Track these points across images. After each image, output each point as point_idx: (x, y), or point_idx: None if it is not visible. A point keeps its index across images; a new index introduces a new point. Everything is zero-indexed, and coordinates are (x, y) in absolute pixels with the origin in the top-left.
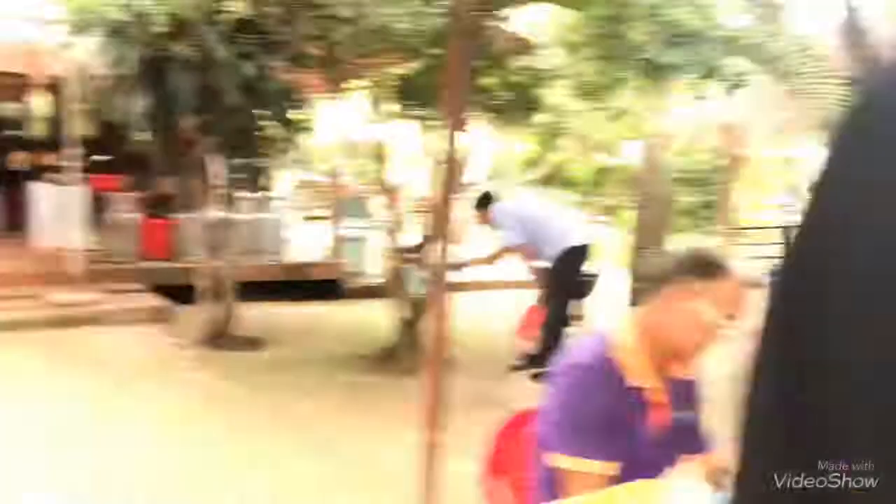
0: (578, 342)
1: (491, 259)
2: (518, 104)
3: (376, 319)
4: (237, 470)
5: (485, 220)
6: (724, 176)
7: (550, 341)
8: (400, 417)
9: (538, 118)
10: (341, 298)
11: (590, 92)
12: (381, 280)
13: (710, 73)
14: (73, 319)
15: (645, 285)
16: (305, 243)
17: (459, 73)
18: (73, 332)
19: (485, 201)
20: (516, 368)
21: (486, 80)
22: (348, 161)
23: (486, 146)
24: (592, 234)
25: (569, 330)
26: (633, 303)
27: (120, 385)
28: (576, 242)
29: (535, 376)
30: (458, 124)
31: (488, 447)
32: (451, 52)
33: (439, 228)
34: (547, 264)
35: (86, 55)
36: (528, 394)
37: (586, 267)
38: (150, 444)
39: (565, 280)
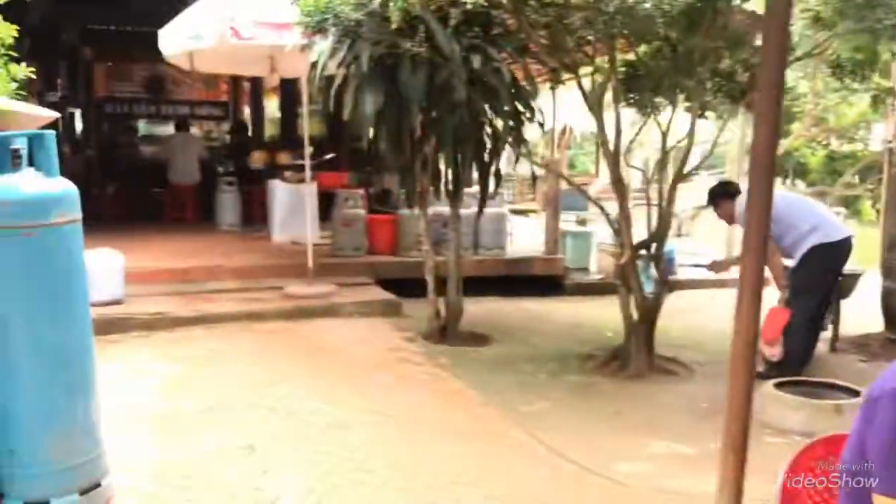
0: None
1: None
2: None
3: (600, 318)
4: (464, 473)
5: (726, 213)
6: None
7: (798, 348)
8: (633, 426)
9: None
10: (562, 295)
11: (844, 70)
12: (602, 276)
13: None
14: (308, 310)
15: None
16: (522, 238)
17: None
18: (309, 323)
19: (726, 193)
20: (759, 376)
21: (723, 63)
22: (566, 152)
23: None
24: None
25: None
26: (885, 306)
27: (355, 377)
28: (832, 238)
29: (779, 385)
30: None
31: (780, 481)
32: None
33: (664, 224)
34: (793, 262)
35: (320, 56)
36: (772, 405)
37: (845, 266)
38: (385, 439)
39: (817, 280)
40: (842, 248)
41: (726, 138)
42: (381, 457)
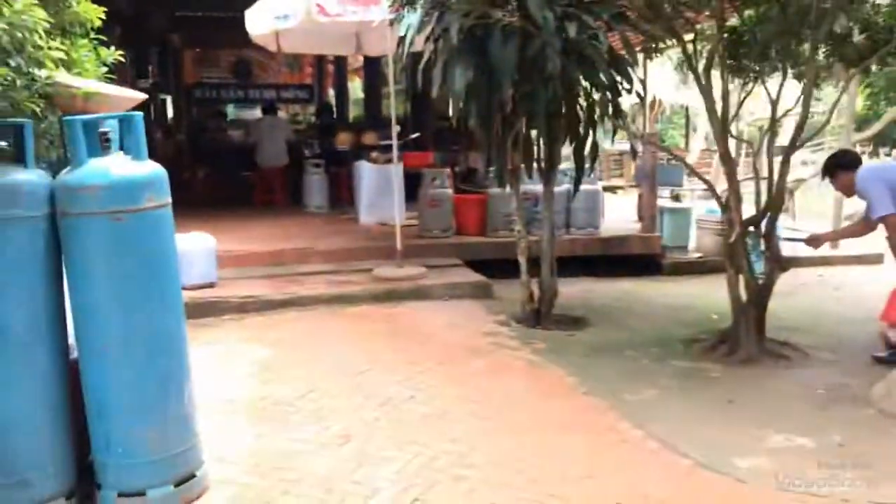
0: None
1: (858, 231)
2: (874, 49)
3: (703, 299)
4: (571, 469)
5: (844, 185)
6: None
7: None
8: (747, 415)
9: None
10: (660, 275)
11: None
12: (702, 255)
13: None
14: (398, 293)
15: None
16: (613, 215)
17: None
18: (400, 306)
19: (845, 163)
20: (880, 361)
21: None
22: (661, 125)
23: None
24: None
25: None
26: None
27: (450, 363)
28: None
29: None
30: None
31: None
32: None
33: (777, 199)
34: None
35: (407, 31)
36: None
37: None
38: (485, 430)
39: None
40: None
41: (822, 108)
42: (482, 450)
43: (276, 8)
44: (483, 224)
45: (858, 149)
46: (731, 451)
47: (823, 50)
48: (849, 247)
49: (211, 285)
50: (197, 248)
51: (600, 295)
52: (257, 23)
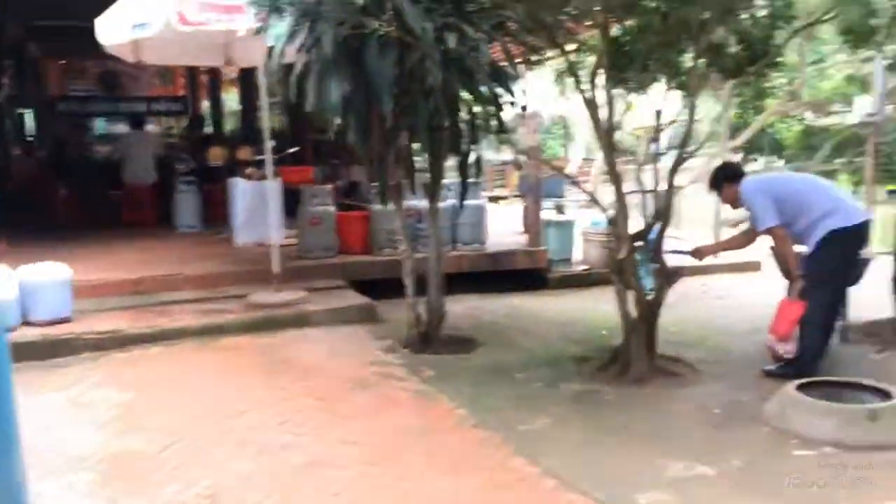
0: None
1: (742, 243)
2: (752, 61)
3: (591, 313)
4: None
5: (729, 197)
6: None
7: (813, 343)
8: (645, 442)
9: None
10: (546, 289)
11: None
12: (587, 267)
13: None
14: (275, 321)
15: None
16: (498, 229)
17: None
18: (278, 336)
19: (730, 176)
20: (770, 374)
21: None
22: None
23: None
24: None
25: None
26: None
27: (332, 399)
28: (850, 222)
29: (802, 388)
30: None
31: None
32: None
33: (666, 212)
34: (807, 249)
35: (277, 41)
36: (796, 411)
37: (863, 251)
38: (371, 477)
39: (835, 268)
40: (860, 232)
41: (698, 117)
42: (369, 500)
43: (134, 16)
44: (368, 242)
45: (732, 156)
46: (633, 486)
47: (702, 61)
48: (728, 255)
49: (65, 321)
50: (46, 280)
51: (489, 312)
52: (112, 31)
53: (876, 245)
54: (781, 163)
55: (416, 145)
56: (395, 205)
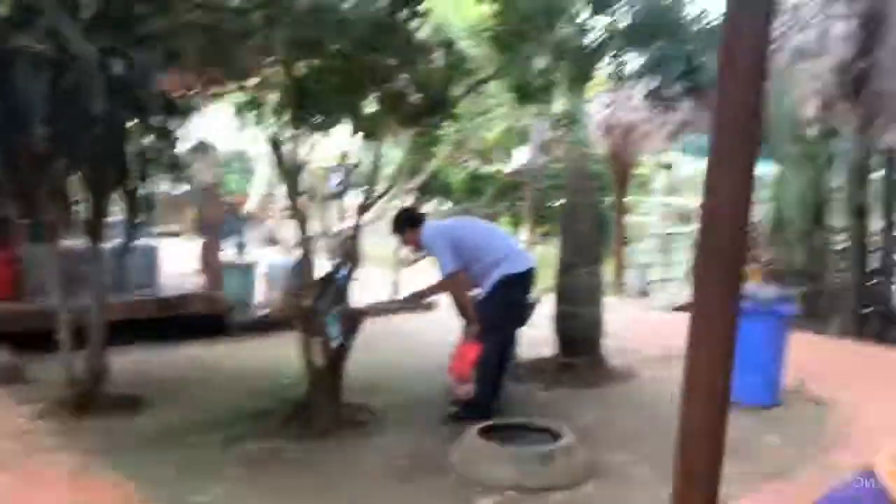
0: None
1: (432, 291)
2: (429, 109)
3: (273, 361)
4: None
5: (411, 241)
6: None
7: (488, 385)
8: None
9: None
10: (227, 335)
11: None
12: (268, 312)
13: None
14: None
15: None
16: (171, 269)
17: None
18: None
19: (411, 221)
20: (453, 417)
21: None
22: (220, 174)
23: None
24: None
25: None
26: (558, 330)
27: None
28: (519, 268)
29: (483, 431)
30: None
31: None
32: None
33: (353, 257)
34: (481, 293)
35: None
36: (477, 457)
37: (529, 294)
38: None
39: (505, 313)
40: (528, 277)
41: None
42: None
43: None
44: (16, 287)
45: (409, 198)
46: None
47: (381, 107)
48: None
49: None
50: None
51: (161, 365)
52: None
53: (539, 287)
54: (450, 204)
55: (76, 178)
56: (49, 245)
